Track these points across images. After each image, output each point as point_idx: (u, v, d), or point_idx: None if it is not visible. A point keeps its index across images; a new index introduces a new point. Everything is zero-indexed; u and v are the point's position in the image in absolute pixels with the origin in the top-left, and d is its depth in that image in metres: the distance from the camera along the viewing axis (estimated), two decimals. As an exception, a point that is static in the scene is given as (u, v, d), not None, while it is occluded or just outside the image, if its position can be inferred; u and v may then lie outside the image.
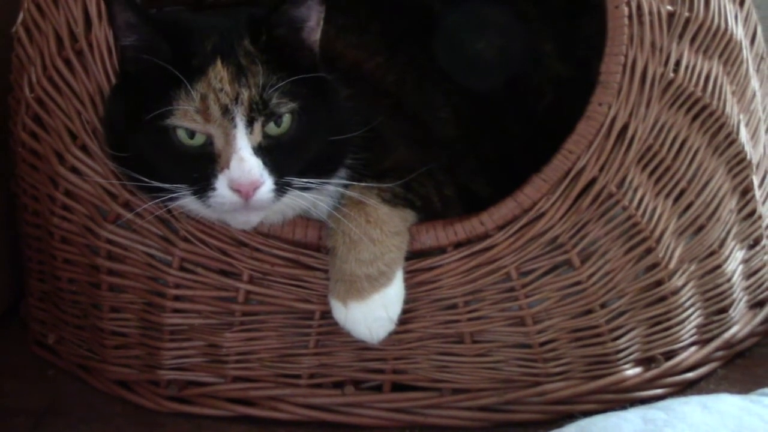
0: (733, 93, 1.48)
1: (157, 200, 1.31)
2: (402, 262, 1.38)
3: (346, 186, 1.37)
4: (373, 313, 1.35)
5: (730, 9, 1.47)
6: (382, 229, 1.35)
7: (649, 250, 1.44)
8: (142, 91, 1.28)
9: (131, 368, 1.50)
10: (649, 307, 1.47)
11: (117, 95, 1.34)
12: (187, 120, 1.25)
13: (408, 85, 1.55)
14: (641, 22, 1.38)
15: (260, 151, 1.26)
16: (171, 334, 1.46)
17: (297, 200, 1.31)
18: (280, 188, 1.27)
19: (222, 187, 1.25)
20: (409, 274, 1.40)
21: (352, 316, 1.36)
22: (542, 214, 1.39)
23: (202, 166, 1.26)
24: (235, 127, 1.25)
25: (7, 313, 1.73)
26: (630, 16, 1.37)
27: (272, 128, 1.28)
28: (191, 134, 1.26)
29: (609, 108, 1.38)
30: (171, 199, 1.29)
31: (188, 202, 1.30)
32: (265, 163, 1.26)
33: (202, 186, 1.26)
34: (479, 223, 1.39)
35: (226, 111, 1.25)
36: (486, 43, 1.62)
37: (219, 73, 1.26)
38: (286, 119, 1.28)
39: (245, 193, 1.25)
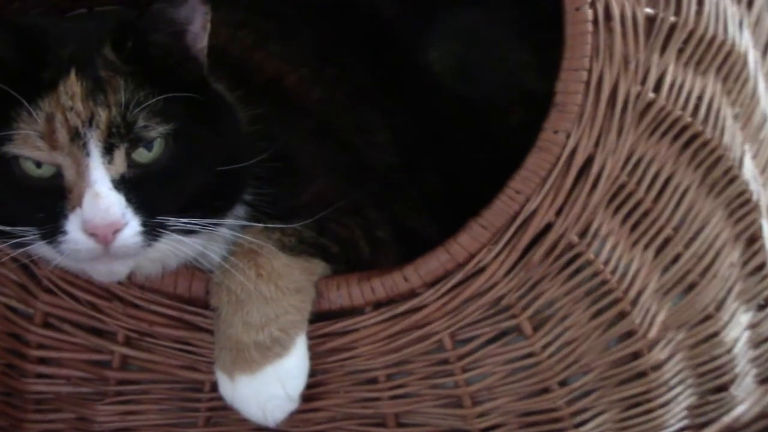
0: (735, 117, 1.18)
1: (3, 245, 1.05)
2: (304, 325, 1.10)
3: (243, 228, 1.10)
4: (267, 389, 1.08)
5: (732, 13, 1.17)
6: (278, 285, 1.08)
7: (622, 315, 1.15)
8: None
9: (-4, 442, 1.25)
10: (623, 386, 1.18)
11: None
12: (28, 147, 1.00)
13: (337, 102, 1.28)
14: (610, 29, 1.09)
15: (123, 184, 1.01)
16: (35, 404, 1.21)
17: (177, 246, 1.05)
18: (151, 231, 1.02)
19: (74, 230, 1.00)
20: (317, 340, 1.14)
21: (241, 393, 1.09)
22: (482, 269, 1.12)
23: (50, 204, 1.01)
24: (88, 155, 1.00)
25: None
26: (595, 21, 1.09)
27: (141, 154, 1.02)
28: (38, 164, 1.01)
29: (567, 137, 1.09)
30: (18, 245, 1.03)
31: (38, 248, 1.04)
32: (129, 200, 1.00)
33: (51, 228, 1.01)
34: (402, 278, 1.12)
35: (76, 135, 1.00)
36: (442, 52, 1.34)
37: (71, 88, 1.00)
38: (158, 145, 1.02)
39: (103, 237, 0.99)
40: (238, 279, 1.07)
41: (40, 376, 1.20)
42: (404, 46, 1.36)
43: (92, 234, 0.99)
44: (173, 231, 1.03)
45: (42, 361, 1.19)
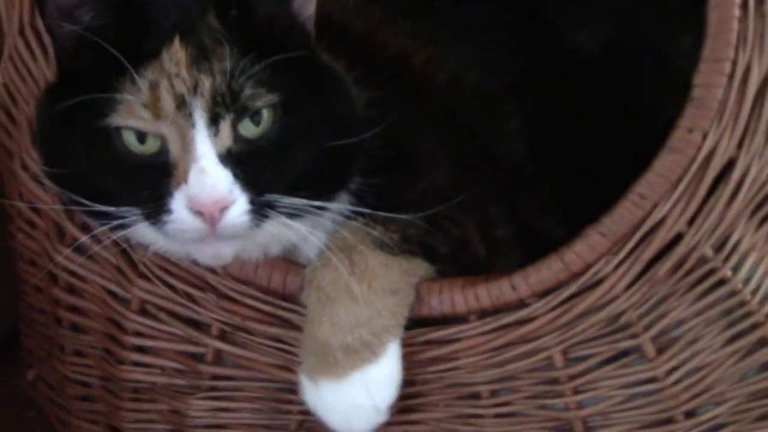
0: None
1: (104, 227, 1.00)
2: (399, 331, 1.01)
3: (344, 222, 1.02)
4: (352, 397, 1.00)
5: None
6: (371, 285, 0.99)
7: (763, 342, 1.02)
8: (80, 88, 0.97)
9: (97, 425, 1.22)
10: (762, 422, 1.03)
11: (50, 97, 1.04)
12: (132, 117, 0.94)
13: (467, 85, 1.18)
14: (762, 14, 0.95)
15: (230, 159, 0.94)
16: (132, 392, 1.17)
17: (282, 230, 0.98)
18: (259, 210, 0.94)
19: (179, 208, 0.93)
20: (415, 347, 1.05)
21: (324, 400, 1.01)
22: (600, 282, 1.00)
23: (155, 182, 0.95)
24: (193, 126, 0.93)
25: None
26: (744, 5, 0.94)
27: (248, 128, 0.95)
28: (141, 138, 0.95)
29: (704, 137, 0.96)
30: (120, 227, 0.98)
31: (142, 229, 0.98)
32: (236, 176, 0.93)
33: (156, 208, 0.94)
34: (510, 286, 1.01)
35: (182, 104, 0.93)
36: (589, 34, 1.22)
37: (175, 55, 0.94)
38: (266, 117, 0.95)
39: (209, 215, 0.92)
40: (329, 275, 0.99)
41: (136, 364, 1.15)
42: (547, 26, 1.24)
43: (198, 212, 0.92)
44: (281, 212, 0.96)
45: (138, 348, 1.15)
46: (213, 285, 1.09)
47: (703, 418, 1.03)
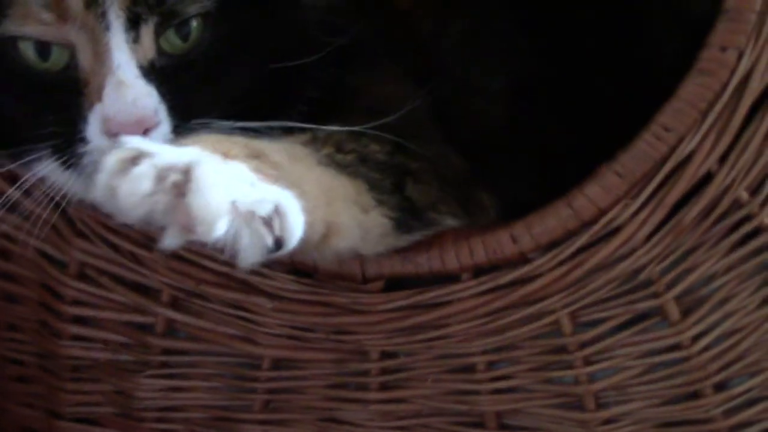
0: None
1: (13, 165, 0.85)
2: None
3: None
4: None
5: None
6: None
7: (806, 300, 0.86)
8: None
9: (34, 409, 1.06)
10: (803, 395, 0.88)
11: None
12: (29, 21, 0.78)
13: (455, 36, 1.02)
14: None
15: (153, 73, 0.79)
16: (71, 371, 1.02)
17: None
18: (184, 135, 0.79)
19: (94, 132, 0.79)
20: (399, 313, 0.90)
21: None
22: (615, 231, 0.86)
23: (63, 106, 0.80)
24: (107, 28, 0.77)
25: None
26: None
27: (173, 42, 0.80)
28: (43, 50, 0.79)
29: (740, 56, 0.81)
30: (27, 165, 0.82)
31: (53, 171, 0.83)
32: (161, 95, 0.79)
33: (67, 139, 0.80)
34: (510, 238, 0.86)
35: (92, 1, 0.77)
36: None
37: None
38: (195, 27, 0.80)
39: (129, 134, 0.77)
40: None
41: (76, 338, 1.00)
42: None
43: (116, 134, 0.77)
44: None
45: (78, 320, 1.00)
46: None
47: (735, 391, 0.89)
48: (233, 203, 0.67)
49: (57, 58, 0.79)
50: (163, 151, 0.69)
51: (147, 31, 0.78)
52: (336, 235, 0.77)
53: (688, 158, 0.83)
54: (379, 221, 0.82)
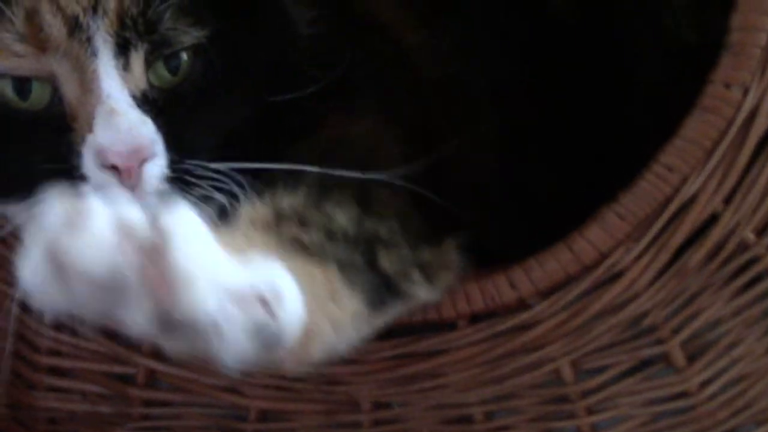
0: None
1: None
2: None
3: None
4: None
5: None
6: None
7: (816, 345, 0.83)
8: None
9: (8, 466, 1.02)
10: (814, 443, 0.85)
11: None
12: (4, 56, 0.72)
13: (447, 76, 0.96)
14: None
15: (147, 104, 0.73)
16: (47, 423, 0.97)
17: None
18: (178, 174, 0.74)
19: (90, 166, 0.72)
20: (393, 362, 0.87)
21: None
22: (618, 276, 0.82)
23: (54, 144, 0.73)
24: (94, 54, 0.71)
25: None
26: (790, -71, 0.77)
27: (161, 73, 0.75)
28: (22, 88, 0.73)
29: (745, 93, 0.78)
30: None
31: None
32: (157, 126, 0.73)
33: (64, 178, 0.72)
34: (508, 284, 0.83)
35: (76, 27, 0.71)
36: None
37: None
38: (186, 61, 0.75)
39: (127, 169, 0.71)
40: None
41: (52, 389, 0.96)
42: None
43: (112, 166, 0.71)
44: (200, 180, 0.74)
45: (54, 370, 0.95)
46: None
47: (744, 440, 0.85)
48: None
49: (38, 95, 0.73)
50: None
51: (137, 59, 0.73)
52: (312, 341, 0.67)
53: (693, 199, 0.80)
54: (352, 309, 0.71)
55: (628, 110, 0.99)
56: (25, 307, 0.94)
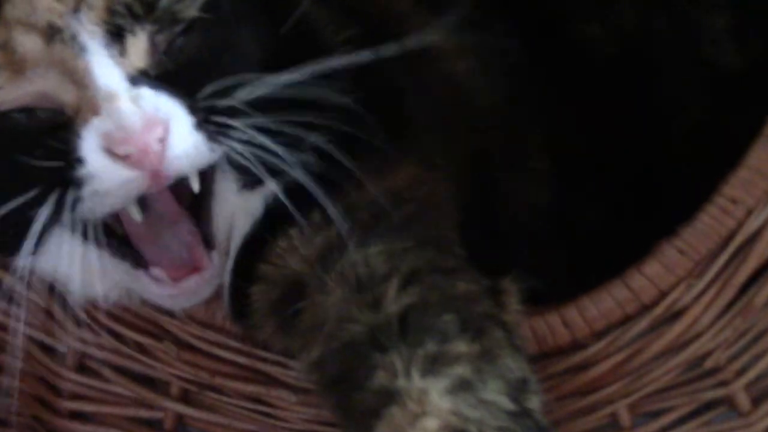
0: None
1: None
2: None
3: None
4: None
5: None
6: None
7: None
8: None
9: None
10: None
11: None
12: None
13: (488, 108, 0.92)
14: None
15: (147, 77, 0.68)
16: (70, 472, 0.93)
17: (257, 153, 0.69)
18: (209, 120, 0.68)
19: (94, 155, 0.66)
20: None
21: None
22: (678, 314, 0.79)
23: (52, 149, 0.68)
24: (82, 50, 0.67)
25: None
26: None
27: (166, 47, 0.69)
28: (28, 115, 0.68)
29: (814, 119, 0.74)
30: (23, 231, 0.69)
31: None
32: (164, 88, 0.68)
33: (62, 181, 0.67)
34: (561, 323, 0.79)
35: (53, 33, 0.67)
36: (601, 27, 0.99)
37: None
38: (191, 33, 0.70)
39: (143, 149, 0.66)
40: None
41: (74, 435, 0.93)
42: (550, 17, 1.00)
43: (123, 150, 0.65)
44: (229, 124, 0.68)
45: (77, 415, 0.93)
46: (171, 332, 0.87)
47: (810, 487, 0.81)
48: None
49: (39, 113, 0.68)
50: None
51: (137, 43, 0.68)
52: None
53: (758, 233, 0.77)
54: None
55: (674, 141, 0.96)
56: (45, 348, 0.92)
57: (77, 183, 0.67)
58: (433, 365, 0.63)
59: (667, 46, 0.99)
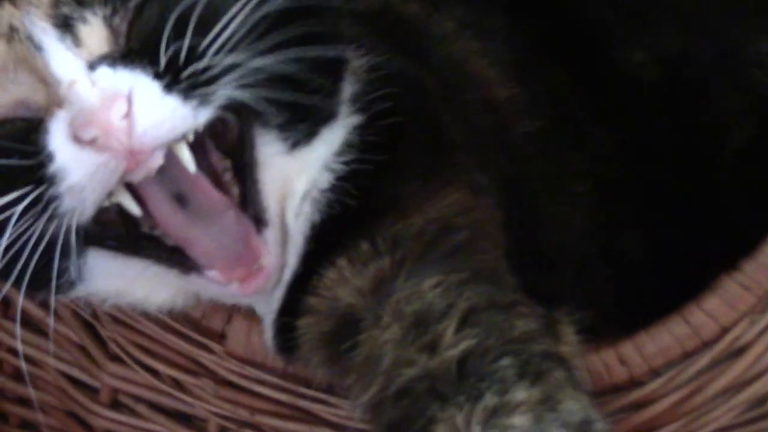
0: None
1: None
2: None
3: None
4: None
5: None
6: None
7: None
8: None
9: None
10: None
11: None
12: None
13: (529, 136, 0.90)
14: None
15: (110, 60, 0.66)
16: None
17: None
18: (175, 79, 0.65)
19: (60, 145, 0.64)
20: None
21: None
22: (741, 351, 0.76)
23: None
24: (39, 49, 0.66)
25: None
26: None
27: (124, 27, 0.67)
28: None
29: None
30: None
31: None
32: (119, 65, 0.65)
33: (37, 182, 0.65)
34: (618, 360, 0.76)
35: (12, 33, 0.67)
36: (645, 54, 0.96)
37: None
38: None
39: (105, 124, 0.63)
40: None
41: (108, 475, 0.90)
42: (594, 45, 0.98)
43: (87, 134, 0.63)
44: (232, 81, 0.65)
45: (110, 454, 0.90)
46: (208, 367, 0.84)
47: None
48: None
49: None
50: None
51: (92, 30, 0.66)
52: None
53: None
54: None
55: (722, 167, 0.94)
56: (76, 383, 0.89)
57: (51, 181, 0.64)
58: (494, 417, 0.61)
59: (713, 70, 0.97)
